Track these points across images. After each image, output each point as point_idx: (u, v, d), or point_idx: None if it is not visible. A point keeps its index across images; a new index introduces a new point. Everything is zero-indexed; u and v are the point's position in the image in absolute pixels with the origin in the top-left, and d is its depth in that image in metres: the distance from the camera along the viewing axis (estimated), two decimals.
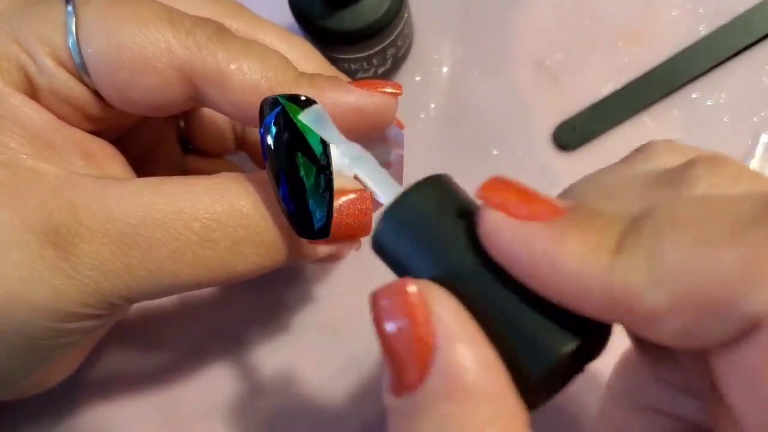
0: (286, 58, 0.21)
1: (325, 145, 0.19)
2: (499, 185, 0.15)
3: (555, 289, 0.13)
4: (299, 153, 0.19)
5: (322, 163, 0.19)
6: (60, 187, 0.19)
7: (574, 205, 0.14)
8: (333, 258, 0.26)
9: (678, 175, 0.15)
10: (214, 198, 0.20)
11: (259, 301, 0.32)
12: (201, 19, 0.21)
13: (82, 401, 0.31)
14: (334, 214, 0.19)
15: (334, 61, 0.29)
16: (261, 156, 0.29)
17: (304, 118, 0.19)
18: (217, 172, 0.29)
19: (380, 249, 0.16)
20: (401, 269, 0.16)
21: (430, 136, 0.33)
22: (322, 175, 0.19)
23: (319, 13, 0.29)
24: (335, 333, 0.31)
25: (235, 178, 0.21)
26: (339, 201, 0.19)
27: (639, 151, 0.17)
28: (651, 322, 0.12)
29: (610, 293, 0.13)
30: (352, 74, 0.32)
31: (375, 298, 0.15)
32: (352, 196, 0.20)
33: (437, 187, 0.16)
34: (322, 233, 0.19)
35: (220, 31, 0.21)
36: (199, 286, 0.21)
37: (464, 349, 0.13)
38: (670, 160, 0.16)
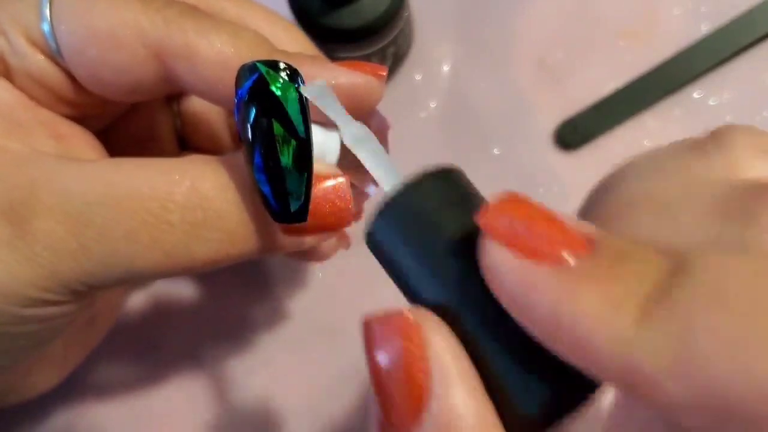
0: (261, 34, 0.20)
1: (305, 118, 0.18)
2: (507, 207, 0.12)
3: (561, 346, 0.12)
4: (277, 125, 0.18)
5: (301, 137, 0.18)
6: (21, 163, 0.18)
7: (600, 239, 0.12)
8: (316, 255, 0.25)
9: (752, 206, 0.12)
10: (174, 178, 0.19)
11: (258, 305, 0.31)
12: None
13: (73, 403, 0.30)
14: (312, 199, 0.18)
15: (334, 60, 0.29)
16: None
17: (307, 92, 0.18)
18: None
19: (375, 247, 0.15)
20: (396, 277, 0.14)
21: (430, 136, 0.33)
22: (301, 151, 0.18)
23: (318, 11, 0.28)
24: (335, 337, 0.31)
25: (202, 160, 0.20)
26: (317, 186, 0.18)
27: (714, 138, 0.14)
28: (665, 409, 0.11)
29: (622, 367, 0.11)
30: None
31: (367, 326, 0.13)
32: (331, 182, 0.19)
33: (445, 182, 0.14)
34: (299, 216, 0.18)
35: (191, 8, 0.20)
36: (158, 272, 0.19)
37: (461, 397, 0.12)
38: (751, 167, 0.13)
